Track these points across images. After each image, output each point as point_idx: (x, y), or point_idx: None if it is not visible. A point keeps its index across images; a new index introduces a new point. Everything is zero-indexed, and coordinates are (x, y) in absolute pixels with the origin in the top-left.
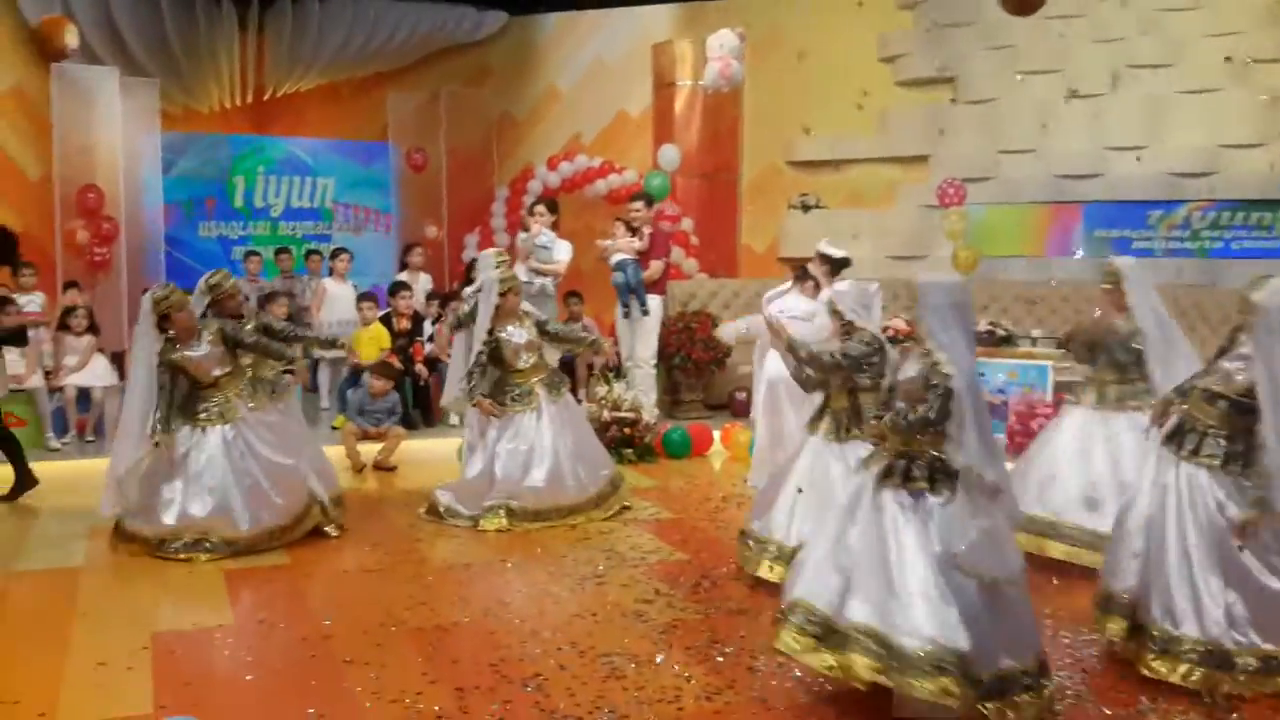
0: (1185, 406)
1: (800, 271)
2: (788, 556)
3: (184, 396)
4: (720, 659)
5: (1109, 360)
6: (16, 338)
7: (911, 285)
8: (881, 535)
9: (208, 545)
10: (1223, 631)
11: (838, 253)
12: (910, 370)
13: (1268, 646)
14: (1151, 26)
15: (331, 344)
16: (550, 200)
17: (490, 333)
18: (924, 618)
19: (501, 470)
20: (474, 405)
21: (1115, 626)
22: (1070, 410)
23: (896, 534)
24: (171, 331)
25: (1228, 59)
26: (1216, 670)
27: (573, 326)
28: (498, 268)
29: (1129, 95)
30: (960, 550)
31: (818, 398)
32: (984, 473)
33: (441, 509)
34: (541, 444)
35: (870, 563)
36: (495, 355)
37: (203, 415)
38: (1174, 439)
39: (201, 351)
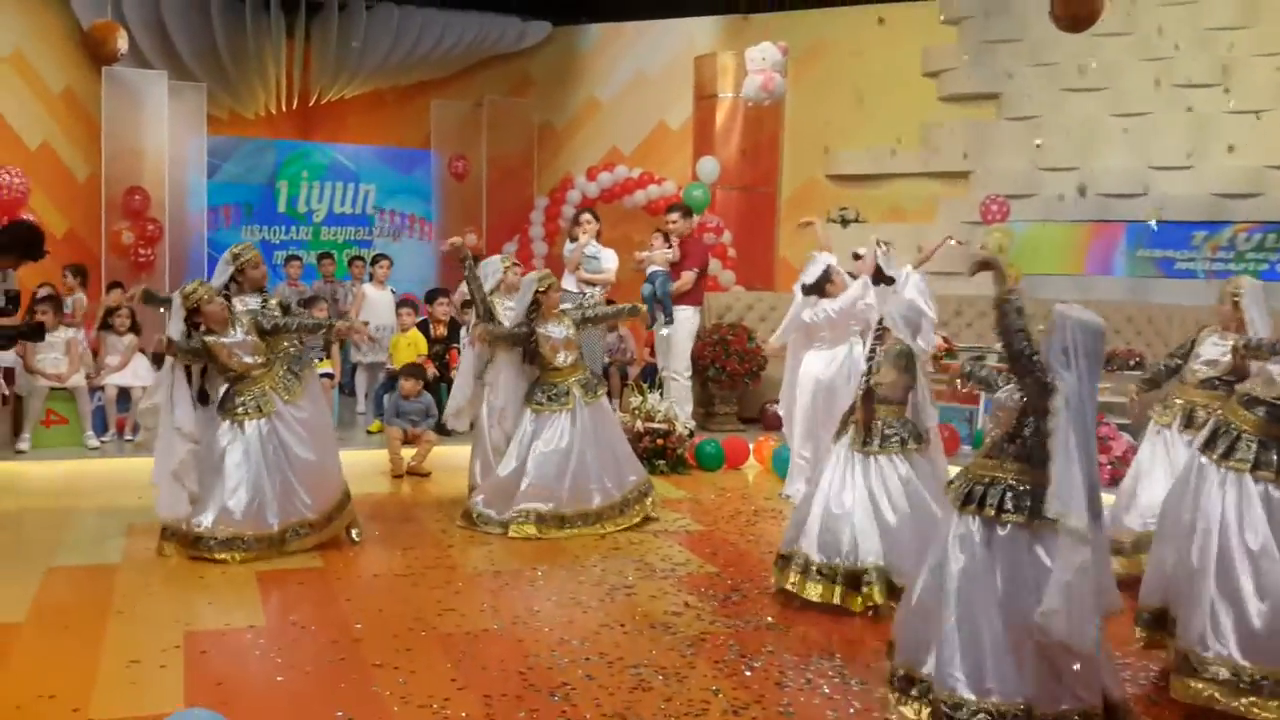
0: (1220, 411)
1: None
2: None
3: (221, 391)
4: (749, 673)
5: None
6: (33, 332)
7: (952, 300)
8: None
9: (241, 544)
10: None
11: (890, 270)
12: (1004, 393)
13: None
14: (1200, 45)
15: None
16: (593, 210)
17: (531, 328)
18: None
19: (536, 471)
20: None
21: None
22: (1158, 433)
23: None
24: (202, 325)
25: None
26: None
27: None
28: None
29: (1175, 114)
30: (1039, 613)
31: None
32: (1070, 520)
33: (475, 515)
34: (572, 446)
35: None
36: (534, 352)
37: (240, 410)
38: (1210, 444)
39: (235, 339)
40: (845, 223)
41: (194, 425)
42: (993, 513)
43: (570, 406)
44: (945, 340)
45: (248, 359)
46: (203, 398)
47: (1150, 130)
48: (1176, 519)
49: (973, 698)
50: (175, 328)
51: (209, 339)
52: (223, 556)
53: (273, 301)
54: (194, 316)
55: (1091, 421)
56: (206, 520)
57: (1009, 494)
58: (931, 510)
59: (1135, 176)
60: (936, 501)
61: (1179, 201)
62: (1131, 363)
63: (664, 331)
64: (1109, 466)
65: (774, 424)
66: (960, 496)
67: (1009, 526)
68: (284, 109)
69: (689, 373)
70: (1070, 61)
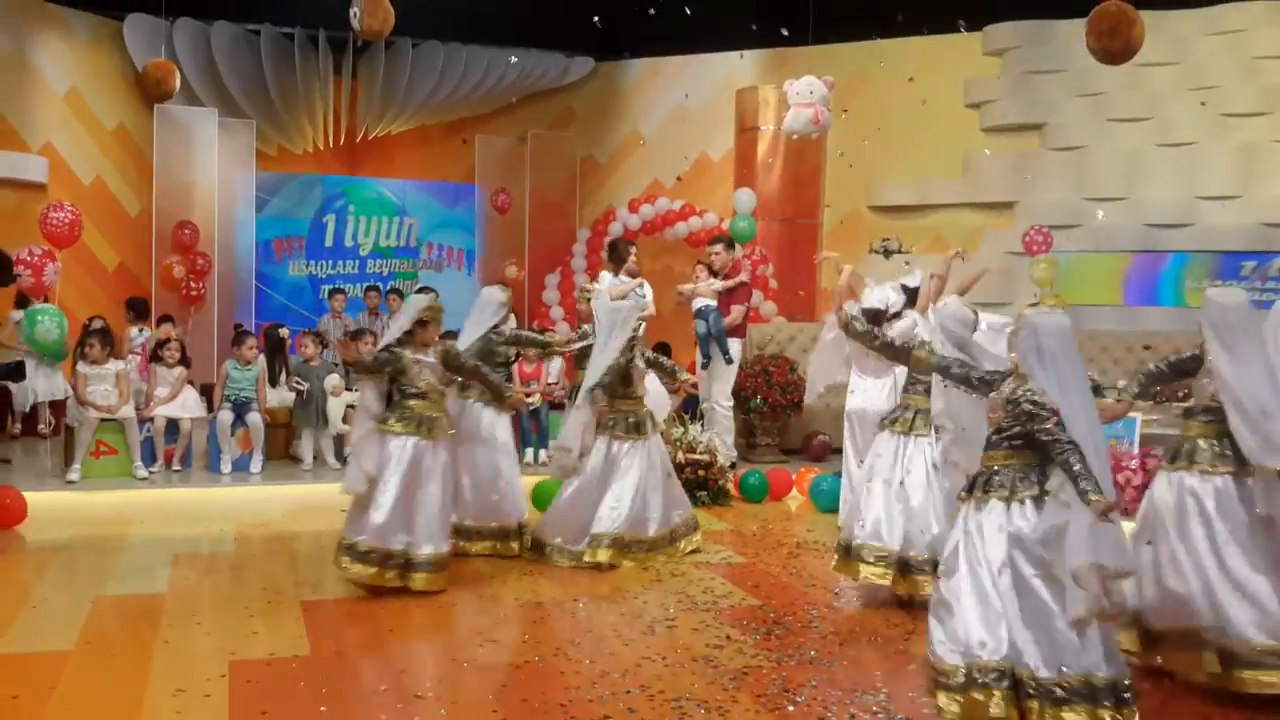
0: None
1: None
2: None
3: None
4: (791, 708)
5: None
6: (13, 373)
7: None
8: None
9: (391, 561)
10: None
11: (913, 283)
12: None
13: None
14: (1248, 74)
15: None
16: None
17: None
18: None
19: (626, 503)
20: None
21: None
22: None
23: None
24: (415, 334)
25: None
26: None
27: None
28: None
29: (1221, 143)
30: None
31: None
32: (1088, 488)
33: (548, 549)
34: (643, 476)
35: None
36: (626, 377)
37: (404, 424)
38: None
39: (427, 359)
40: (889, 254)
41: (379, 407)
42: (1007, 494)
43: (646, 436)
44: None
45: (428, 382)
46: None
47: (1197, 159)
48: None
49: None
50: (393, 334)
51: (406, 350)
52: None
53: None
54: (418, 326)
55: (1083, 409)
56: (365, 535)
57: (1017, 476)
58: None
59: (1182, 206)
60: None
61: (1226, 231)
62: (1180, 394)
63: (725, 363)
64: None
65: (817, 455)
66: (979, 486)
67: (1027, 502)
68: (331, 145)
69: (731, 403)
70: (1116, 91)
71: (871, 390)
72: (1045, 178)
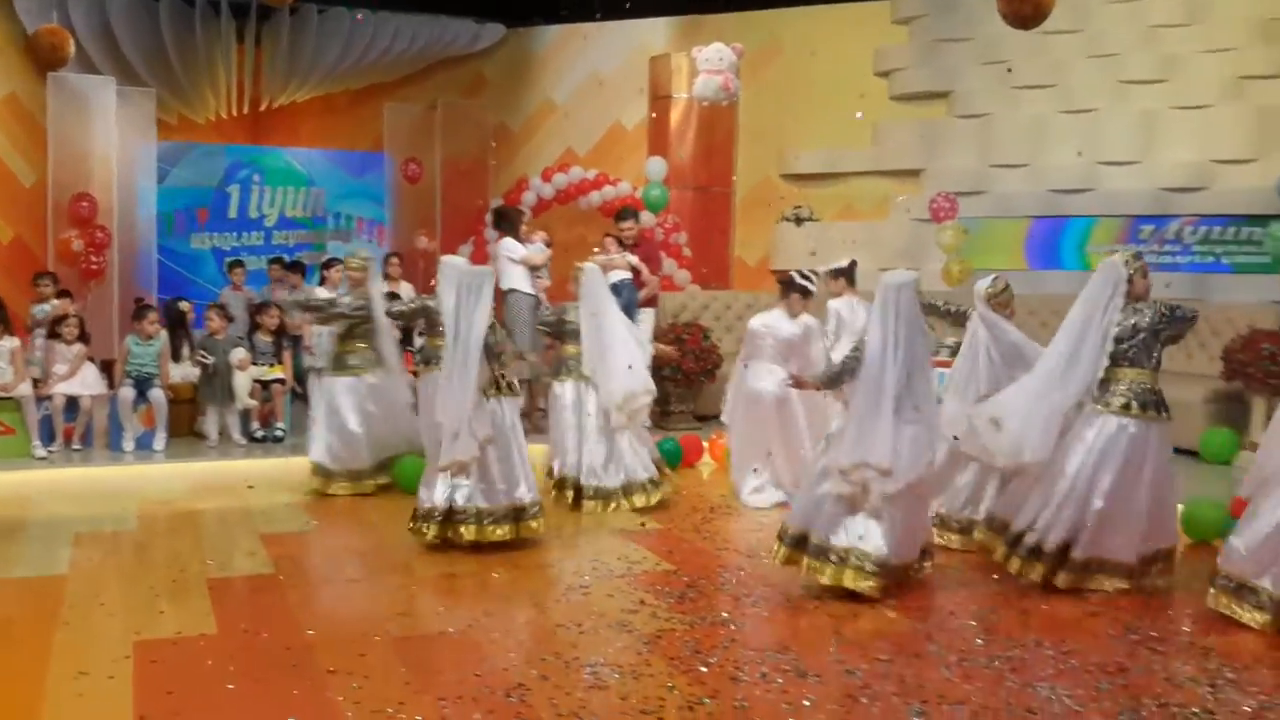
0: None
1: (786, 284)
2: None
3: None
4: (704, 669)
5: None
6: None
7: None
8: None
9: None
10: None
11: (843, 262)
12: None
13: None
14: (1147, 42)
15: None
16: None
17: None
18: None
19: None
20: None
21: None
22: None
23: None
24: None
25: None
26: None
27: None
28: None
29: (1123, 110)
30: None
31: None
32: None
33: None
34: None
35: None
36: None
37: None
38: None
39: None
40: (800, 221)
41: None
42: None
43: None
44: None
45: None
46: None
47: (1099, 126)
48: None
49: None
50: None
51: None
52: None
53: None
54: None
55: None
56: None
57: None
58: None
59: (1083, 172)
60: None
61: (1126, 196)
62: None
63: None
64: None
65: None
66: None
67: None
68: (235, 113)
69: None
70: (1021, 59)
71: (764, 374)
72: (952, 145)
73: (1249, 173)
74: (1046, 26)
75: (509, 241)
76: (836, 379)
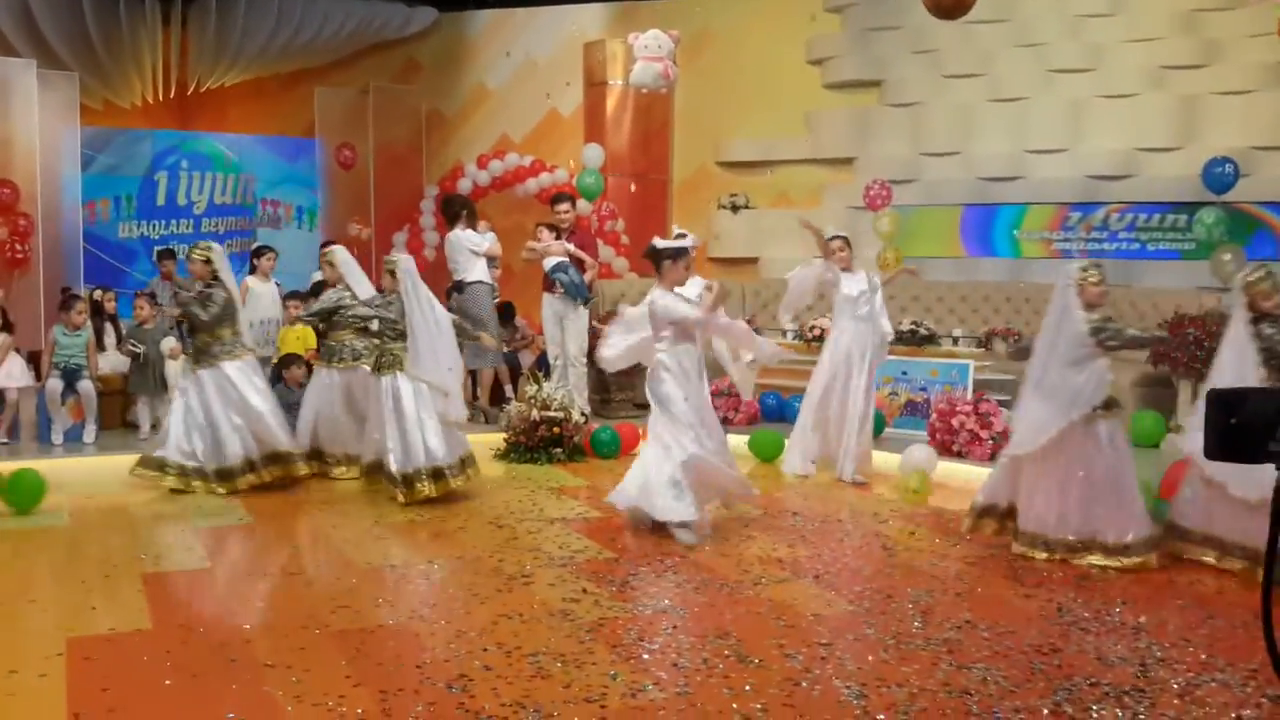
0: None
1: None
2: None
3: None
4: (646, 656)
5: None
6: None
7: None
8: None
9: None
10: None
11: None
12: None
13: None
14: (1073, 32)
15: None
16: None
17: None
18: None
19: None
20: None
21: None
22: None
23: None
24: None
25: None
26: None
27: None
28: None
29: (1050, 99)
30: None
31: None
32: None
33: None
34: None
35: None
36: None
37: None
38: None
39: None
40: (736, 209)
41: None
42: None
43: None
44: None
45: None
46: None
47: (1027, 114)
48: None
49: None
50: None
51: None
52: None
53: None
54: None
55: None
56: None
57: None
58: None
59: (1013, 160)
60: None
61: (1055, 184)
62: (1010, 341)
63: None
64: (991, 442)
65: None
66: None
67: None
68: (161, 98)
69: (585, 360)
70: (950, 48)
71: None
72: (883, 133)
73: (1174, 160)
74: (974, 16)
75: (470, 234)
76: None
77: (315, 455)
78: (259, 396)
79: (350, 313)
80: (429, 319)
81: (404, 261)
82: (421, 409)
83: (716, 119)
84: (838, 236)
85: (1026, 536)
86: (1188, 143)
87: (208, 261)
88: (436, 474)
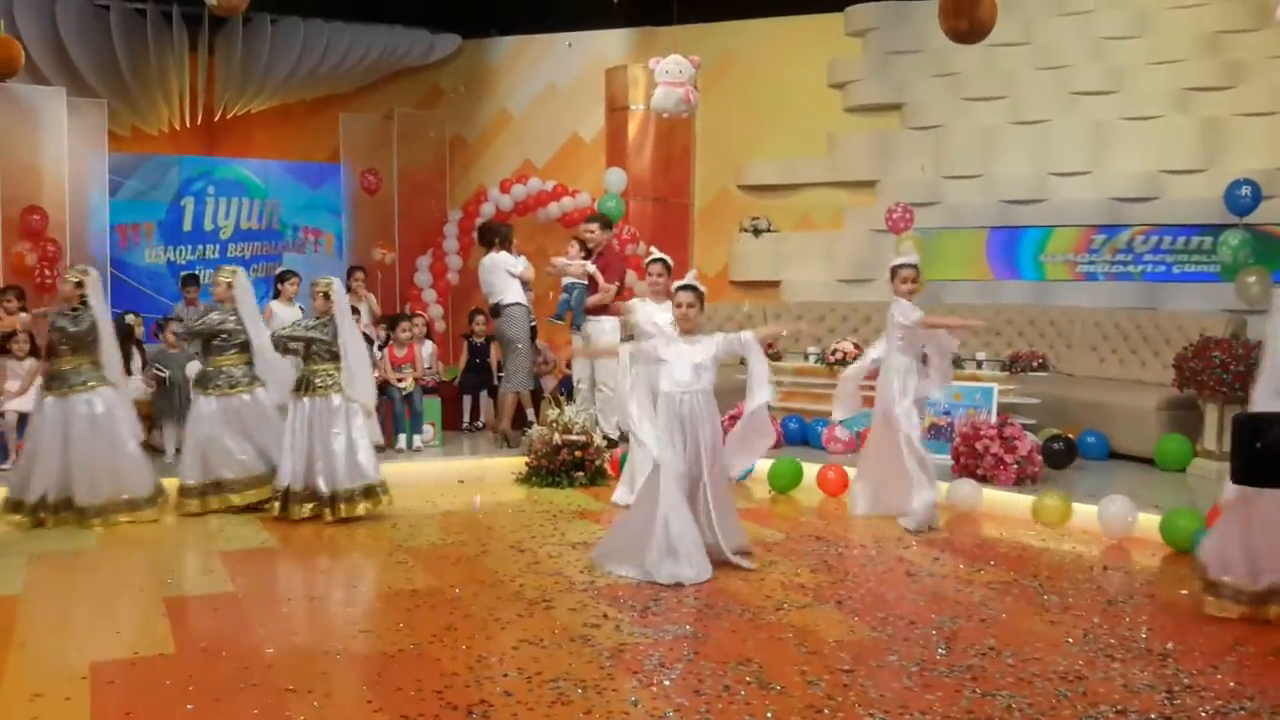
0: None
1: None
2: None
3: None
4: (668, 683)
5: None
6: None
7: (859, 307)
8: None
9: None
10: None
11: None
12: None
13: None
14: (1096, 54)
15: None
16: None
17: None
18: None
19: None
20: None
21: None
22: None
23: None
24: None
25: None
26: None
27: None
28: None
29: (1073, 121)
30: None
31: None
32: None
33: None
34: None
35: None
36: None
37: None
38: None
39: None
40: (758, 232)
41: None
42: None
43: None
44: (855, 346)
45: None
46: None
47: (1050, 137)
48: None
49: None
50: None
51: None
52: None
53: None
54: None
55: None
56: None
57: None
58: None
59: (1036, 183)
60: None
61: (1078, 206)
62: (1035, 364)
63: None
64: (1015, 466)
65: None
66: None
67: None
68: (188, 124)
69: (614, 382)
70: (971, 71)
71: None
72: (905, 156)
73: (1197, 183)
74: (995, 39)
75: (506, 256)
76: None
77: (215, 487)
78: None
79: (234, 340)
80: (360, 340)
81: (336, 283)
82: (354, 429)
83: (738, 142)
84: (906, 265)
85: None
86: (1212, 165)
87: (230, 285)
88: (369, 492)
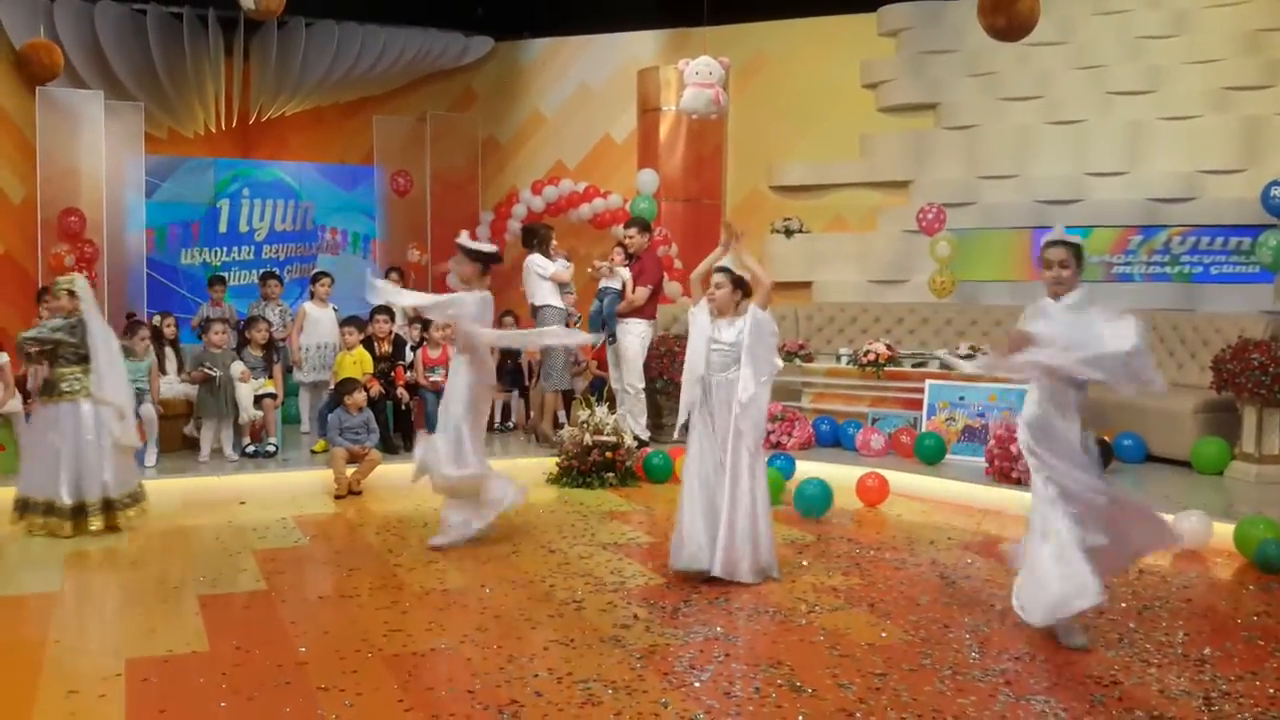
0: None
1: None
2: None
3: None
4: (698, 684)
5: None
6: None
7: (891, 309)
8: None
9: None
10: None
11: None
12: None
13: None
14: (1133, 54)
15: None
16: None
17: None
18: None
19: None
20: None
21: None
22: None
23: None
24: None
25: None
26: None
27: None
28: None
29: (1110, 121)
30: None
31: None
32: None
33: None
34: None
35: None
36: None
37: None
38: None
39: None
40: (790, 233)
41: None
42: None
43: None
44: (889, 347)
45: None
46: None
47: (1086, 137)
48: None
49: None
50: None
51: None
52: None
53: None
54: None
55: None
56: None
57: None
58: None
59: (1072, 183)
60: None
61: (1115, 206)
62: None
63: (608, 342)
64: None
65: None
66: None
67: None
68: (223, 127)
69: (642, 384)
70: (1007, 71)
71: None
72: (939, 156)
73: (1236, 183)
74: (1032, 38)
75: (538, 258)
76: None
77: (108, 505)
78: None
79: (75, 350)
80: (108, 338)
81: (80, 280)
82: (102, 436)
83: (769, 143)
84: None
85: None
86: (1251, 165)
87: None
88: (107, 505)
